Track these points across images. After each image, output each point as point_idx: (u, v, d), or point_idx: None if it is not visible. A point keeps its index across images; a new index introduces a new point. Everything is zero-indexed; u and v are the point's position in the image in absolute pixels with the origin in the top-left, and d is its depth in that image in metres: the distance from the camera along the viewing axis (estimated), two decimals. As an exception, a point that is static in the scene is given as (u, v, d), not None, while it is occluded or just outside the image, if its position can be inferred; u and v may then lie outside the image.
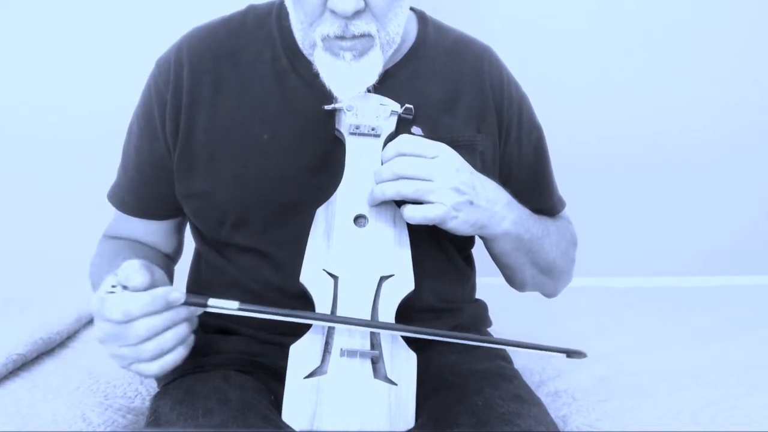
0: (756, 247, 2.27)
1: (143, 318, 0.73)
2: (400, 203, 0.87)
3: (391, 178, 0.84)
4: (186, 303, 0.75)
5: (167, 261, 1.07)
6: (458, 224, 0.86)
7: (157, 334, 0.74)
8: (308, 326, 0.84)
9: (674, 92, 2.18)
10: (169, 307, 0.74)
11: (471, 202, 0.86)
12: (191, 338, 0.79)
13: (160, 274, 0.80)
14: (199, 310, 0.78)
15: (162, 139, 0.96)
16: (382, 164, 0.87)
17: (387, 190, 0.84)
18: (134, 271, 0.75)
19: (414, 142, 0.86)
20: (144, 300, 0.73)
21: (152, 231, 1.04)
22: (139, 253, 1.00)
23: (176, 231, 1.07)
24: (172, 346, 0.75)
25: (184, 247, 1.11)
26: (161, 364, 0.75)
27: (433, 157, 0.85)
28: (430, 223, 0.86)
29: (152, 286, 0.76)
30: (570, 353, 0.88)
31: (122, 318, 0.73)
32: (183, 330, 0.76)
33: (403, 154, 0.85)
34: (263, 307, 0.80)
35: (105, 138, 1.33)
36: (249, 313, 0.79)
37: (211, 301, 0.77)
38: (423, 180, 0.84)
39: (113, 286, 0.75)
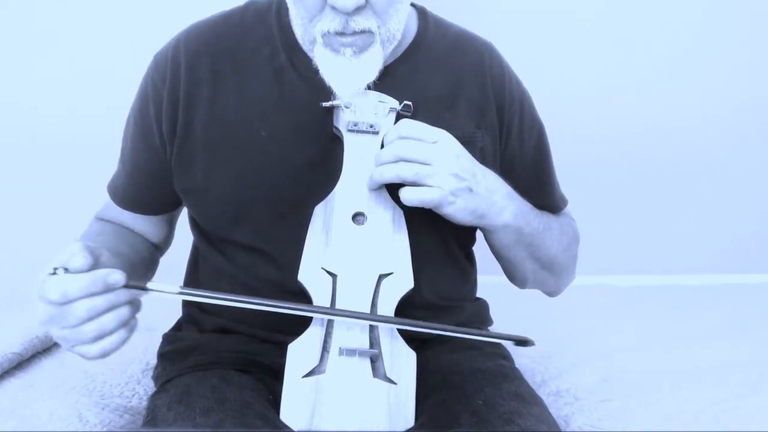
0: (760, 245, 2.26)
1: (82, 299, 0.72)
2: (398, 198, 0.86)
3: (391, 161, 0.84)
4: (126, 285, 0.75)
5: (152, 249, 1.07)
6: (456, 210, 0.86)
7: (96, 315, 0.73)
8: (306, 325, 0.83)
9: (677, 89, 2.17)
10: (109, 288, 0.73)
11: (470, 189, 0.86)
12: (134, 321, 0.77)
13: (107, 257, 0.79)
14: (143, 294, 0.77)
15: (157, 136, 0.95)
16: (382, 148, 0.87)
17: (386, 172, 0.84)
18: (75, 253, 0.74)
19: (416, 126, 0.86)
20: (83, 281, 0.72)
21: (140, 221, 1.05)
22: (121, 238, 1.01)
23: (166, 222, 1.07)
24: (113, 327, 0.74)
25: (183, 244, 1.10)
26: (102, 345, 0.74)
27: (433, 142, 0.85)
28: (427, 206, 0.85)
29: (95, 268, 0.75)
30: (518, 341, 0.89)
31: (61, 299, 0.72)
32: (124, 312, 0.75)
33: (404, 138, 0.85)
34: (207, 291, 0.79)
35: (104, 136, 1.32)
36: (191, 297, 0.79)
37: (151, 284, 0.76)
38: (422, 164, 0.84)
39: (55, 268, 0.74)
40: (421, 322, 0.85)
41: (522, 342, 0.89)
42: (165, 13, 1.70)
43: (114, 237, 1.00)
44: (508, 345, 1.05)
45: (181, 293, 0.78)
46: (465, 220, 0.88)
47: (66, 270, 0.73)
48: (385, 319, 0.83)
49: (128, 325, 0.76)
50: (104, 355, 0.75)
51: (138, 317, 0.78)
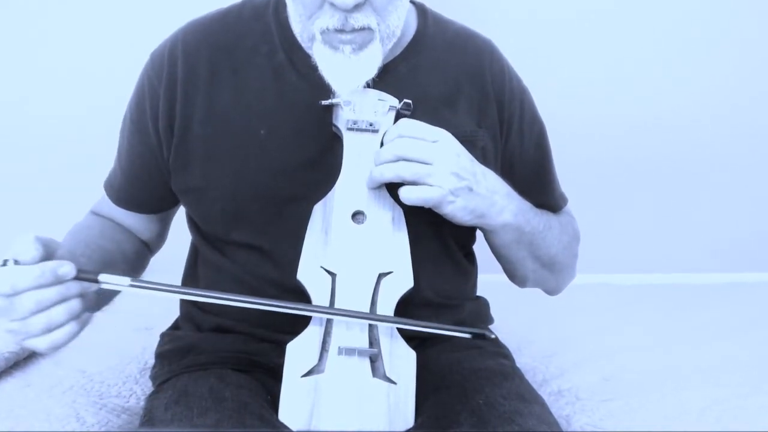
0: (762, 243, 2.24)
1: (31, 291, 0.71)
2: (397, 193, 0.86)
3: (391, 160, 0.84)
4: (77, 277, 0.74)
5: (141, 247, 1.06)
6: (455, 210, 0.85)
7: (46, 307, 0.72)
8: (306, 324, 0.82)
9: (679, 87, 2.16)
10: (59, 281, 0.72)
11: (470, 189, 0.85)
12: (86, 315, 0.76)
13: (64, 251, 0.78)
14: (94, 287, 0.76)
15: (153, 135, 0.95)
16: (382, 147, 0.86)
17: (386, 171, 0.84)
18: (26, 244, 0.73)
19: (416, 125, 0.86)
20: (32, 273, 0.71)
21: (131, 217, 1.04)
22: (106, 234, 1.00)
23: (159, 220, 1.07)
24: (62, 320, 0.73)
25: (181, 243, 1.09)
26: (52, 338, 0.73)
27: (434, 141, 0.84)
28: (426, 206, 0.85)
29: (47, 260, 0.73)
30: (475, 335, 0.90)
31: (9, 291, 0.71)
32: (75, 305, 0.74)
33: (404, 137, 0.84)
34: (157, 283, 0.78)
35: (101, 135, 1.32)
36: (143, 289, 0.77)
37: (102, 276, 0.75)
38: (422, 163, 0.83)
39: (5, 260, 0.73)
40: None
41: (480, 336, 0.90)
42: (162, 12, 1.70)
43: (99, 232, 0.99)
44: (510, 343, 1.05)
45: (132, 286, 0.76)
46: (465, 220, 0.87)
47: (16, 262, 0.72)
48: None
49: (80, 318, 0.75)
50: (54, 348, 0.74)
51: (94, 315, 0.77)
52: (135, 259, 1.04)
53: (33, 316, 0.72)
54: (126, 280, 0.76)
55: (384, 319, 0.83)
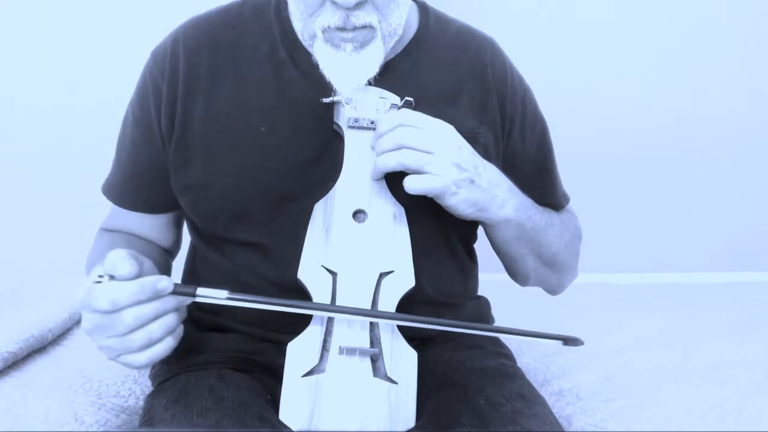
0: (763, 243, 2.25)
1: (131, 307, 0.71)
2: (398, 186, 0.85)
3: (393, 149, 0.83)
4: (175, 292, 0.74)
5: (164, 255, 1.06)
6: (458, 202, 0.85)
7: (145, 323, 0.72)
8: (306, 323, 0.82)
9: (681, 85, 2.16)
10: (157, 296, 0.73)
11: (472, 181, 0.85)
12: (180, 329, 0.77)
13: (149, 264, 0.79)
14: (189, 300, 0.77)
15: (157, 131, 0.94)
16: (381, 136, 0.85)
17: (388, 160, 0.83)
18: (121, 260, 0.74)
19: (414, 115, 0.85)
20: (132, 289, 0.72)
21: (148, 224, 1.03)
22: (134, 246, 0.98)
23: (174, 224, 1.06)
24: (160, 335, 0.73)
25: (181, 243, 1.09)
26: (150, 354, 0.74)
27: (434, 132, 0.84)
28: (430, 195, 0.84)
29: (140, 275, 0.74)
30: (567, 341, 0.86)
31: (109, 308, 0.71)
32: (171, 320, 0.74)
33: (405, 125, 0.84)
34: (254, 296, 0.79)
35: (98, 135, 1.32)
36: (239, 302, 0.78)
37: (200, 290, 0.76)
38: (424, 152, 0.82)
39: (100, 276, 0.73)
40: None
41: (571, 341, 0.85)
42: (162, 11, 1.70)
43: (128, 248, 0.98)
44: (511, 343, 1.04)
45: (229, 299, 0.77)
46: (466, 213, 0.87)
47: (111, 277, 0.72)
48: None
49: (174, 332, 0.75)
50: (150, 363, 0.75)
51: (182, 324, 0.78)
52: (164, 268, 1.04)
53: (132, 333, 0.72)
54: (223, 293, 0.77)
55: (468, 326, 0.84)
